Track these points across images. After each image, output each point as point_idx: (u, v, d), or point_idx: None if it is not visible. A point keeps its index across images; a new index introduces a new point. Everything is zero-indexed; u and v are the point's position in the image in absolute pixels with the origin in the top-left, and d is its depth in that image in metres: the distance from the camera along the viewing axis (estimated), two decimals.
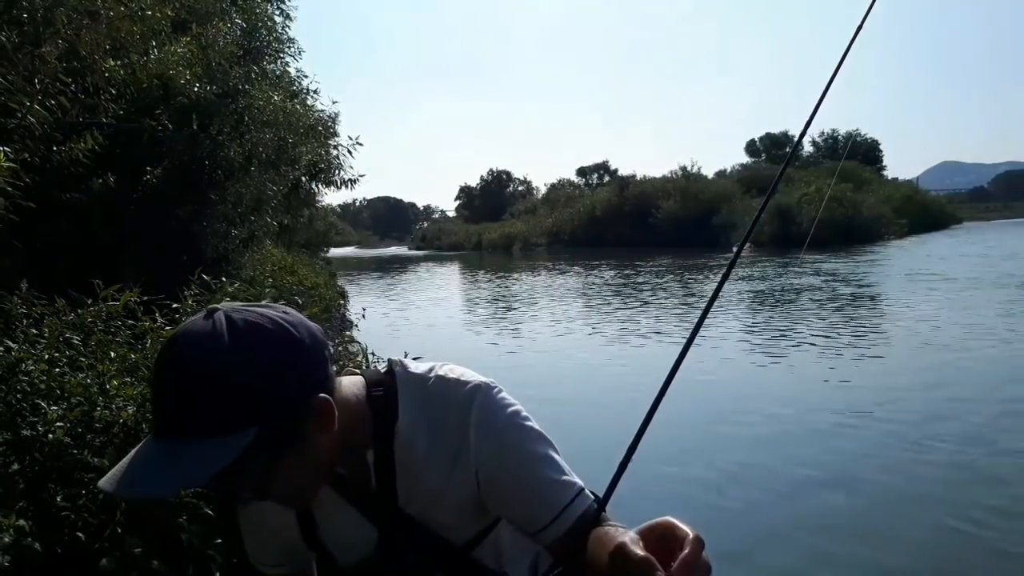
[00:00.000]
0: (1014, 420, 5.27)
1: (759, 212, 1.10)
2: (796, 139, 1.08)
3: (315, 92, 10.06)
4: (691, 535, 0.65)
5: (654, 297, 14.30)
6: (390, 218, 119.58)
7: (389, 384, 0.92)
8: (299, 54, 8.62)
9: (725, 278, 0.98)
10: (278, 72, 8.42)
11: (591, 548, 0.82)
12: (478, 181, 77.76)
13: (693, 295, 14.54)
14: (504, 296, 16.62)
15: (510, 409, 0.90)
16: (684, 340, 0.99)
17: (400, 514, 0.93)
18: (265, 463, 0.78)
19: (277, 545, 1.05)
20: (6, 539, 1.90)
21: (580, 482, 0.90)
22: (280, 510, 0.97)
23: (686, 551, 0.63)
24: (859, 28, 1.07)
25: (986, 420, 5.28)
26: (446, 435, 0.89)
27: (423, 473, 0.91)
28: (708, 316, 0.90)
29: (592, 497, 0.91)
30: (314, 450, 0.82)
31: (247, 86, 5.63)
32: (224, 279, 3.37)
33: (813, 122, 1.05)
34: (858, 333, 9.26)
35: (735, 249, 1.03)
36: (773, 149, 59.86)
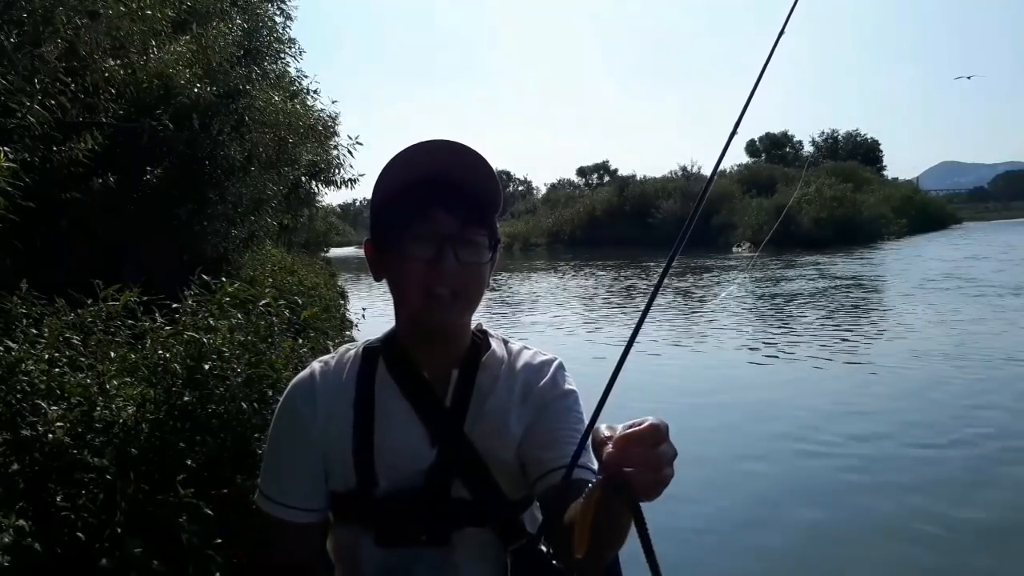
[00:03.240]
0: None
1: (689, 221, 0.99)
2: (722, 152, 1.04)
3: (315, 92, 10.06)
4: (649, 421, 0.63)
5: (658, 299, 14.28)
6: None
7: (482, 332, 1.10)
8: (299, 54, 8.62)
9: (661, 282, 0.97)
10: (278, 72, 8.41)
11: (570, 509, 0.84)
12: None
13: (699, 298, 14.53)
14: (504, 296, 16.61)
15: (574, 387, 1.07)
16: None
17: (462, 437, 0.99)
18: (488, 253, 1.00)
19: (316, 471, 1.02)
20: (6, 539, 1.89)
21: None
22: (339, 417, 1.01)
23: (637, 428, 0.62)
24: (775, 44, 1.01)
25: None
26: (523, 378, 1.04)
27: (494, 405, 1.01)
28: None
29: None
30: (488, 276, 1.02)
31: (247, 86, 5.62)
32: (224, 279, 3.37)
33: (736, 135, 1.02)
34: (876, 343, 9.02)
35: (672, 254, 0.99)
36: (773, 149, 59.81)
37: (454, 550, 0.98)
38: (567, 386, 1.05)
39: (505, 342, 1.10)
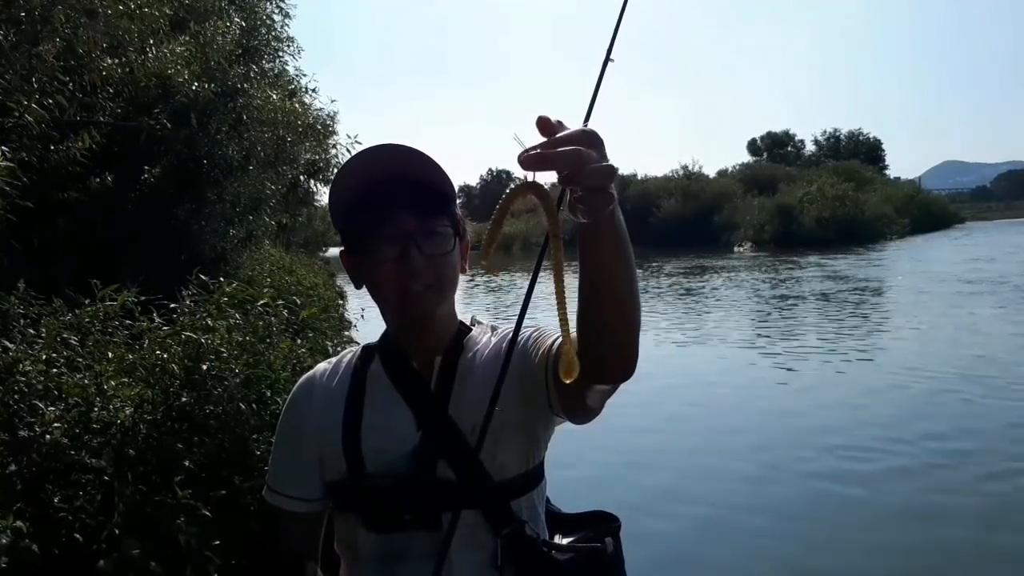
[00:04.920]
0: None
1: None
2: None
3: (313, 91, 10.06)
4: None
5: (660, 301, 14.29)
6: None
7: (474, 323, 1.14)
8: (298, 53, 8.60)
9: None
10: (276, 71, 8.40)
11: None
12: (478, 181, 77.87)
13: (700, 297, 14.52)
14: (503, 296, 16.61)
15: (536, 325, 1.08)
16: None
17: (447, 419, 1.02)
18: (453, 241, 1.03)
19: (312, 463, 1.07)
20: (4, 540, 1.89)
21: None
22: (332, 410, 1.06)
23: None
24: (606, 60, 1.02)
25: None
26: (495, 345, 1.07)
27: (478, 377, 1.03)
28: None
29: None
30: (458, 263, 1.05)
31: (246, 85, 5.61)
32: (222, 279, 3.36)
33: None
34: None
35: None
36: (774, 148, 59.80)
37: (445, 535, 0.98)
38: (527, 329, 1.07)
39: (493, 328, 1.14)
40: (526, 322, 1.05)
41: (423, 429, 1.02)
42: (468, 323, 1.13)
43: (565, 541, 1.10)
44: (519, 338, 1.02)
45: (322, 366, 1.15)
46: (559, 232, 0.71)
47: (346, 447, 1.03)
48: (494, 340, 1.09)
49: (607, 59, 1.02)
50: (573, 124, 0.70)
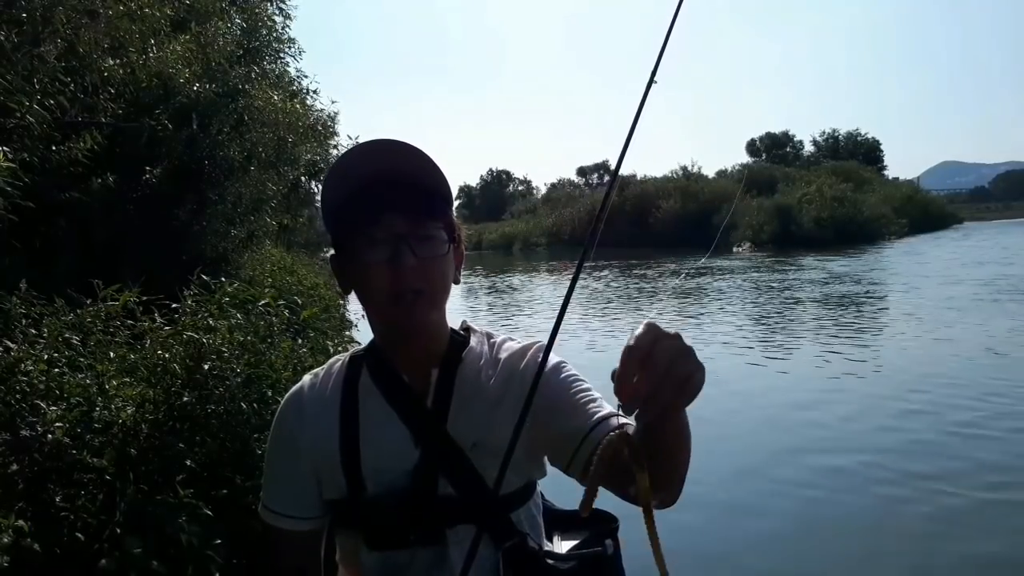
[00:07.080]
0: None
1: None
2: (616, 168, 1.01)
3: (315, 92, 10.09)
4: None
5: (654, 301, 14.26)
6: None
7: (465, 329, 1.10)
8: (299, 54, 8.62)
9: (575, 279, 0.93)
10: (278, 72, 8.42)
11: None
12: (478, 181, 77.93)
13: (697, 298, 14.52)
14: (503, 296, 16.62)
15: (560, 358, 1.04)
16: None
17: (445, 436, 0.99)
18: (447, 246, 0.98)
19: (309, 481, 1.04)
20: (5, 539, 1.89)
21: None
22: (326, 427, 1.02)
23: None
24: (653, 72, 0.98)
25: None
26: (506, 364, 1.04)
27: (478, 398, 1.01)
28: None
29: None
30: (452, 265, 1.01)
31: (247, 86, 5.62)
32: (224, 279, 3.37)
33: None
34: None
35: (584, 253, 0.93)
36: (773, 148, 59.83)
37: (447, 549, 0.98)
38: (553, 359, 1.01)
39: (488, 336, 1.10)
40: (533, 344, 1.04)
41: (422, 446, 0.99)
42: (460, 329, 1.09)
43: (565, 546, 1.10)
44: (533, 373, 0.98)
45: (308, 379, 1.10)
46: (649, 486, 0.69)
47: (345, 465, 1.00)
48: (502, 356, 1.05)
49: (651, 81, 0.96)
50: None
